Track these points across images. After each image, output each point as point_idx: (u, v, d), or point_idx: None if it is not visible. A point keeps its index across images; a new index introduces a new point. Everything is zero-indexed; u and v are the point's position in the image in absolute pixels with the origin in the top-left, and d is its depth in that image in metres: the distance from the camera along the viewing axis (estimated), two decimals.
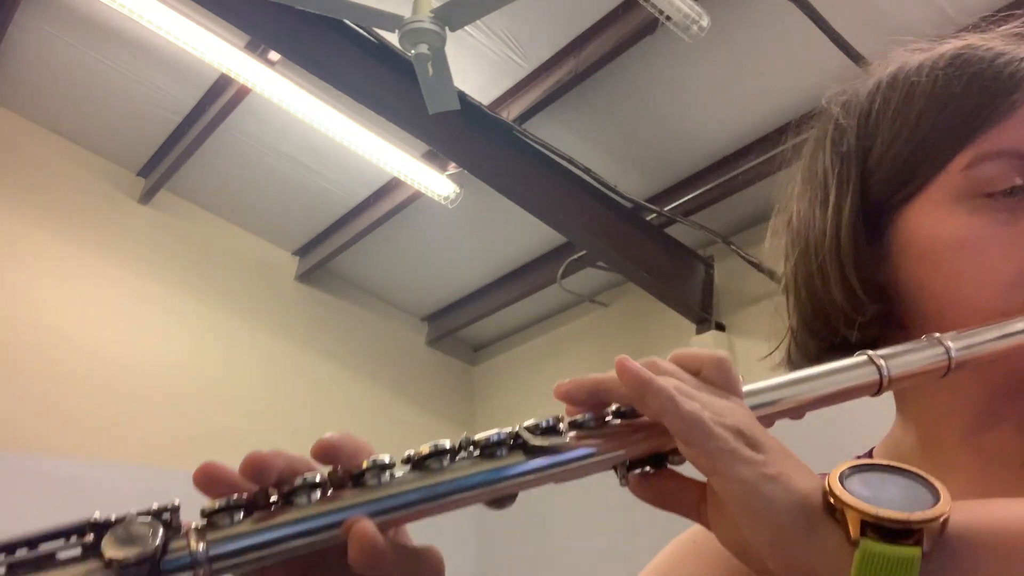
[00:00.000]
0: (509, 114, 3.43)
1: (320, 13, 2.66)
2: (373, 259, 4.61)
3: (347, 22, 2.92)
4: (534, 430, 0.43)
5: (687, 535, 0.70)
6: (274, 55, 3.25)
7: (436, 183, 3.81)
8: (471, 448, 0.42)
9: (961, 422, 0.60)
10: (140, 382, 3.86)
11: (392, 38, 2.59)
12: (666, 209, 3.78)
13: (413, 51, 2.42)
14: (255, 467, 0.41)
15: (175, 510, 0.38)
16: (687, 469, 0.45)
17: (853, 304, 0.60)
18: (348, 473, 0.41)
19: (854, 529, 0.37)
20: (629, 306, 4.43)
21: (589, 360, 4.64)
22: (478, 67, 3.34)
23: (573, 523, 4.06)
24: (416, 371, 5.03)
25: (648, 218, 3.82)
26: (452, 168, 3.78)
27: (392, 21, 2.41)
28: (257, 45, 3.24)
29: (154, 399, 3.87)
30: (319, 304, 4.72)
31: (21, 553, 0.36)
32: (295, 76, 3.28)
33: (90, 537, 0.37)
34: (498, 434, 0.42)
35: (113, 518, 0.37)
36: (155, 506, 0.38)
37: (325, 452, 0.42)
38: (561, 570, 3.88)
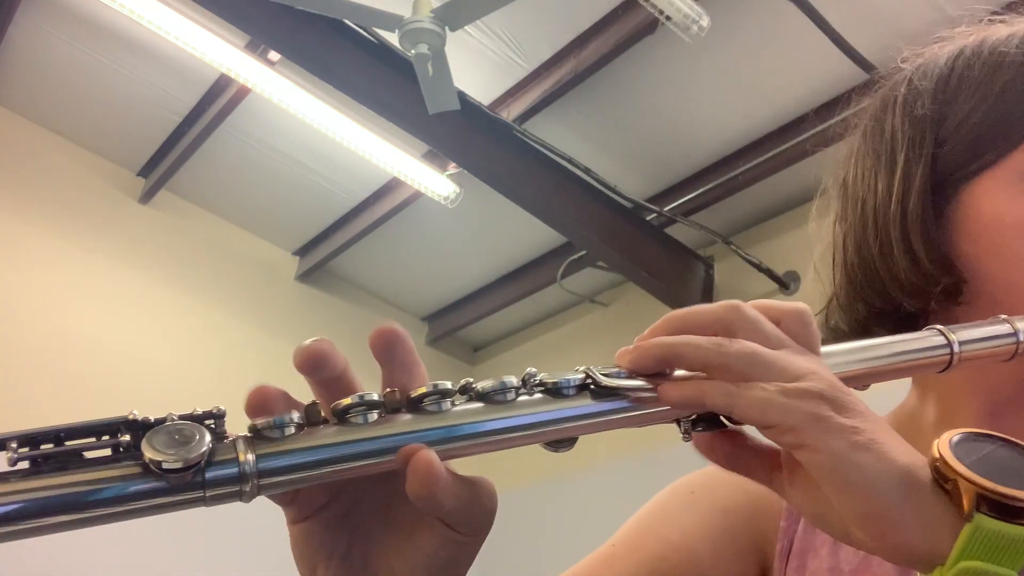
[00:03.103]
0: (509, 114, 3.42)
1: (320, 13, 2.66)
2: (373, 259, 4.61)
3: (347, 22, 2.92)
4: (605, 373, 0.41)
5: (683, 484, 0.68)
6: (274, 55, 3.24)
7: (436, 183, 3.80)
8: (538, 385, 0.40)
9: (985, 403, 0.59)
10: (140, 382, 3.86)
11: (392, 38, 2.59)
12: (666, 209, 3.78)
13: (413, 51, 2.41)
14: (313, 358, 0.39)
15: (220, 416, 0.35)
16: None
17: (919, 274, 0.57)
18: (406, 396, 0.39)
19: (968, 503, 0.35)
20: (629, 306, 4.43)
21: (589, 360, 4.62)
22: (478, 67, 3.34)
23: (574, 517, 4.06)
24: None
25: (648, 218, 3.82)
26: (452, 168, 3.77)
27: (392, 21, 2.41)
28: (257, 45, 3.24)
29: (154, 398, 3.87)
30: (319, 304, 4.72)
31: (46, 448, 0.32)
32: (295, 76, 3.28)
33: (126, 437, 0.33)
34: (567, 374, 0.41)
35: (152, 419, 0.34)
36: (198, 410, 0.35)
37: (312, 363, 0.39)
38: (562, 564, 3.88)
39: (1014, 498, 0.35)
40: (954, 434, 0.39)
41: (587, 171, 3.51)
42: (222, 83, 3.59)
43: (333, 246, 4.46)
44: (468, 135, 3.26)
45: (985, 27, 0.63)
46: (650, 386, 0.41)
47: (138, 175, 4.24)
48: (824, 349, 0.44)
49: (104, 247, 3.99)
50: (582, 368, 0.41)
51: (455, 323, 5.01)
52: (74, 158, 4.06)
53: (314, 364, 0.39)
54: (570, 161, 3.48)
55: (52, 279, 3.80)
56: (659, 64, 3.24)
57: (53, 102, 3.88)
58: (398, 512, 0.41)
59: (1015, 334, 0.49)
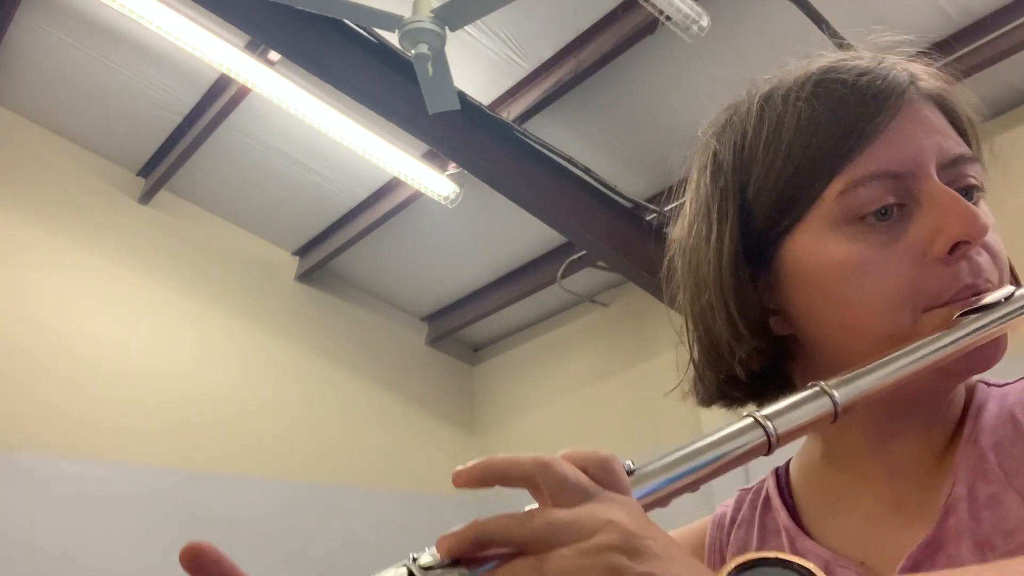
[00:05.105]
0: (509, 114, 3.43)
1: (320, 13, 2.66)
2: (373, 259, 4.61)
3: (347, 22, 2.92)
4: (426, 566, 0.41)
5: None
6: (274, 55, 3.25)
7: (436, 183, 3.81)
8: None
9: (867, 434, 0.61)
10: (140, 382, 3.86)
11: (392, 38, 2.59)
12: (666, 209, 3.78)
13: (413, 51, 2.42)
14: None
15: None
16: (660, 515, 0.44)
17: (736, 338, 0.60)
18: None
19: None
20: (629, 306, 4.43)
21: (589, 360, 4.64)
22: (478, 67, 3.34)
23: None
24: (416, 371, 5.03)
25: (648, 218, 3.82)
26: (452, 168, 3.78)
27: (392, 21, 2.41)
28: (257, 45, 3.24)
29: (154, 399, 3.87)
30: (319, 304, 4.72)
31: None
32: (295, 76, 3.28)
33: None
34: (387, 570, 0.41)
35: None
36: None
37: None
38: None
39: None
40: (740, 560, 0.41)
41: (587, 171, 3.51)
42: (222, 83, 3.59)
43: (333, 246, 4.46)
44: (468, 135, 3.26)
45: (779, 74, 0.66)
46: (469, 573, 0.42)
47: (138, 175, 4.24)
48: (641, 470, 0.46)
49: (104, 247, 3.99)
50: (403, 562, 0.42)
51: (455, 323, 5.02)
52: (74, 158, 4.07)
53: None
54: (570, 161, 3.48)
55: (51, 279, 3.80)
56: (659, 64, 3.24)
57: (53, 102, 3.88)
58: None
59: (831, 400, 0.51)
